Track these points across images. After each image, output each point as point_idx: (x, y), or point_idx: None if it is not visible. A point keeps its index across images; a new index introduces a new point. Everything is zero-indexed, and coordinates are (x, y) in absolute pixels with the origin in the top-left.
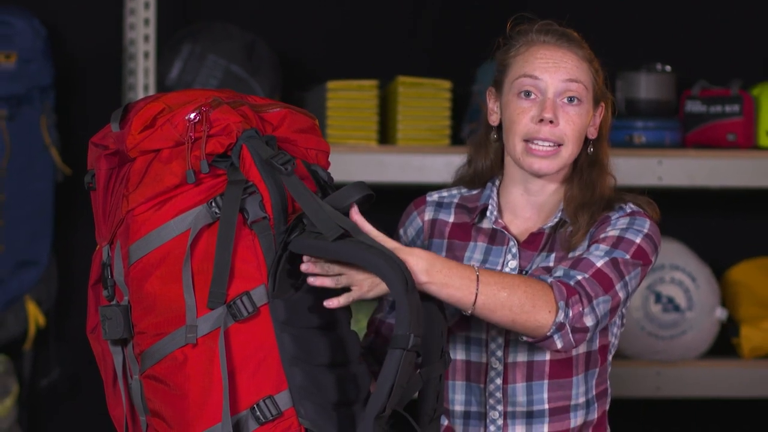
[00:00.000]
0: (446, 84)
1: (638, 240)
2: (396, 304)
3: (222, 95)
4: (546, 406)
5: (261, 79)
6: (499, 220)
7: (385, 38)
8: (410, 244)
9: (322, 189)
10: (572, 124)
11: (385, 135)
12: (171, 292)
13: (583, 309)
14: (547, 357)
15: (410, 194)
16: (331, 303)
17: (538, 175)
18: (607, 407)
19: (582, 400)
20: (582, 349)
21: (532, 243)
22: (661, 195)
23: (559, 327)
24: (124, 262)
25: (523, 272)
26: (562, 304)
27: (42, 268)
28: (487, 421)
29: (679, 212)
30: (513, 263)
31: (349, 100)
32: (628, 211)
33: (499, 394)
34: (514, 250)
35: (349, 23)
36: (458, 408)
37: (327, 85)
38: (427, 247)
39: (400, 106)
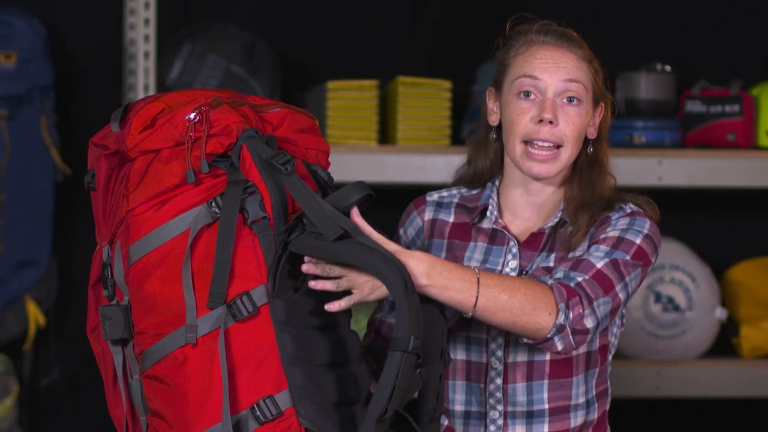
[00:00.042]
0: (446, 84)
1: (638, 241)
2: (396, 307)
3: (222, 95)
4: (546, 406)
5: (261, 79)
6: (500, 220)
7: (385, 38)
8: (410, 244)
9: (322, 189)
10: (572, 125)
11: (385, 135)
12: (171, 292)
13: (583, 311)
14: (548, 357)
15: (410, 194)
16: (332, 306)
17: (538, 179)
18: (608, 407)
19: (582, 400)
20: (582, 349)
21: (533, 243)
22: (661, 195)
23: (560, 329)
24: (124, 262)
25: (524, 272)
26: (562, 306)
27: (42, 268)
28: (488, 420)
29: (679, 212)
30: (513, 263)
31: (349, 100)
32: (628, 211)
33: (499, 394)
34: (515, 250)
35: (349, 23)
36: (458, 408)
37: (327, 85)
38: (426, 246)
39: (400, 106)
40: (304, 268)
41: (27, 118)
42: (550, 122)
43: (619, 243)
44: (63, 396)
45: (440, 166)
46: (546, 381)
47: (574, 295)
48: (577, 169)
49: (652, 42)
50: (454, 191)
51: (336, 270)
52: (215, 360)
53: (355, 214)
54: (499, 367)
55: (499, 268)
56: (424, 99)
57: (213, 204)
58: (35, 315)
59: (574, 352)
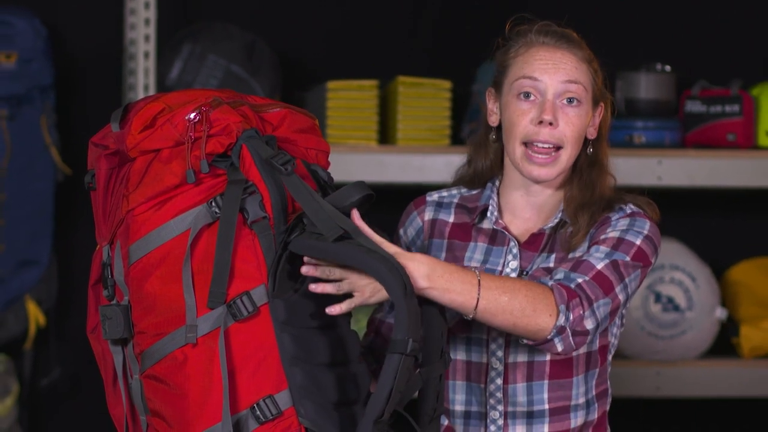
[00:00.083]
0: (446, 84)
1: (638, 242)
2: (395, 309)
3: (222, 95)
4: (546, 407)
5: (261, 79)
6: (500, 221)
7: (385, 38)
8: (410, 244)
9: (322, 189)
10: (572, 126)
11: (385, 135)
12: (171, 292)
13: (583, 312)
14: (548, 357)
15: (410, 194)
16: (333, 310)
17: (537, 182)
18: (608, 407)
19: (582, 400)
20: (582, 349)
21: (533, 243)
22: (660, 195)
23: (560, 330)
24: (124, 261)
25: (524, 272)
26: (563, 307)
27: (42, 268)
28: (488, 421)
29: (679, 212)
30: (514, 263)
31: (349, 100)
32: (628, 212)
33: (499, 394)
34: (515, 250)
35: (349, 23)
36: (459, 408)
37: (327, 85)
38: (426, 246)
39: (400, 106)
40: (303, 270)
41: (27, 117)
42: (550, 124)
43: (619, 244)
44: (63, 396)
45: (440, 166)
46: (546, 381)
47: (575, 296)
48: (577, 170)
49: (652, 42)
50: (454, 191)
51: (336, 272)
52: (215, 360)
53: (356, 217)
54: (500, 367)
55: (500, 268)
56: (424, 99)
57: (213, 204)
58: (35, 315)
59: (574, 353)
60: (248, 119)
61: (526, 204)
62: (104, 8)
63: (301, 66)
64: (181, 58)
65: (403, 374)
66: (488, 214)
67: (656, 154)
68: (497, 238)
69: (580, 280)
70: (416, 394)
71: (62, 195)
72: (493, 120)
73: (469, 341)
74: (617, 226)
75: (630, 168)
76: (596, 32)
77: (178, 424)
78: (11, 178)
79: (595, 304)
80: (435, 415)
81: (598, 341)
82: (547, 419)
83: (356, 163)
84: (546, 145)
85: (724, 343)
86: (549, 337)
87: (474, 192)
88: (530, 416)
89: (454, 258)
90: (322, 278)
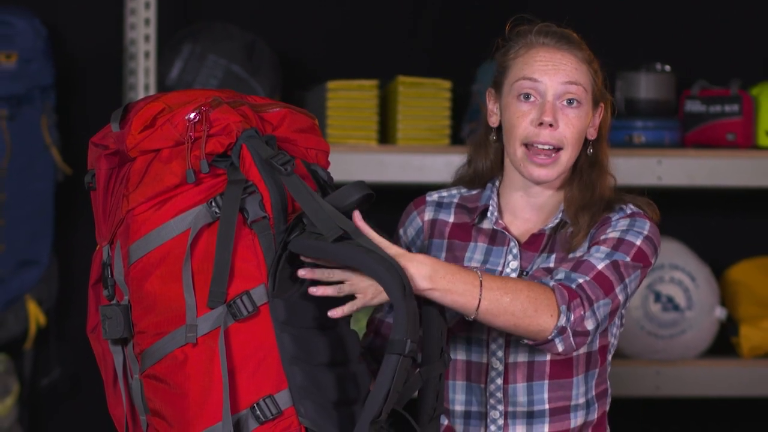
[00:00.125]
0: (446, 84)
1: (638, 242)
2: (394, 309)
3: (222, 95)
4: (546, 407)
5: (261, 79)
6: (500, 221)
7: (385, 38)
8: (410, 244)
9: (321, 189)
10: (572, 127)
11: (385, 135)
12: (171, 292)
13: (584, 313)
14: (548, 357)
15: (410, 194)
16: (336, 313)
17: (538, 183)
18: (607, 407)
19: (582, 400)
20: (582, 349)
21: (533, 244)
22: (660, 195)
23: (561, 331)
24: (124, 261)
25: (524, 273)
26: (564, 308)
27: (42, 268)
28: (488, 421)
29: (679, 212)
30: (514, 264)
31: (349, 100)
32: (628, 212)
33: (499, 394)
34: (515, 250)
35: (349, 23)
36: (459, 408)
37: (327, 85)
38: (426, 246)
39: (400, 106)
40: (301, 273)
41: (27, 117)
42: (550, 125)
43: (619, 244)
44: (63, 395)
45: (440, 166)
46: (546, 381)
47: (576, 296)
48: (577, 171)
49: (651, 42)
50: (454, 191)
51: (337, 274)
52: (215, 359)
53: (357, 218)
54: (500, 367)
55: (500, 268)
56: (424, 99)
57: (213, 204)
58: (36, 314)
59: (574, 353)
60: (248, 119)
61: (526, 205)
62: (104, 8)
63: (301, 66)
64: (181, 58)
65: (401, 375)
66: (488, 214)
67: (656, 154)
68: (497, 238)
69: (580, 281)
70: (416, 393)
71: (62, 195)
72: (493, 120)
73: (469, 341)
74: (617, 226)
75: (630, 168)
76: (596, 32)
77: (178, 424)
78: (11, 178)
79: (595, 305)
80: (435, 415)
81: (597, 341)
82: (547, 419)
83: (356, 163)
84: (546, 147)
85: (724, 343)
86: (550, 337)
87: (474, 192)
88: (530, 416)
89: (454, 258)
90: (323, 281)
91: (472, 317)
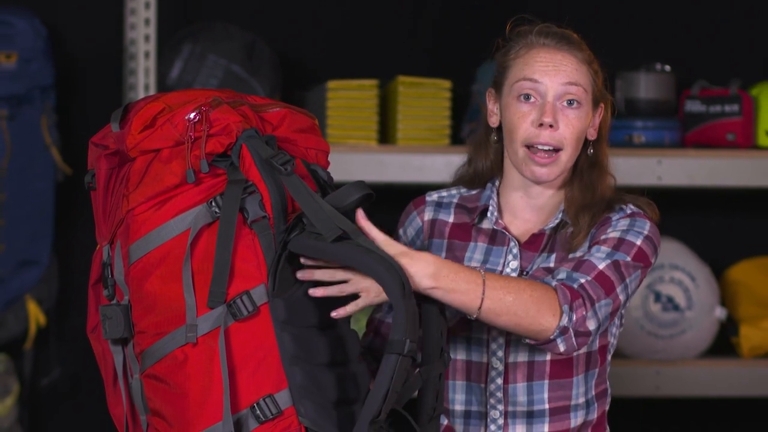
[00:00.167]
0: (446, 84)
1: (639, 242)
2: (393, 309)
3: (222, 95)
4: (546, 406)
5: (261, 79)
6: (500, 221)
7: (385, 38)
8: (410, 244)
9: (321, 189)
10: (572, 128)
11: (385, 135)
12: (171, 292)
13: (586, 313)
14: (548, 357)
15: (410, 194)
16: (339, 313)
17: (538, 182)
18: (607, 407)
19: (582, 400)
20: (582, 349)
21: (533, 244)
22: (660, 195)
23: (563, 331)
24: (125, 261)
25: (524, 273)
26: (566, 308)
27: (42, 268)
28: (488, 420)
29: (679, 212)
30: (514, 263)
31: (349, 99)
32: (629, 212)
33: (499, 394)
34: (515, 250)
35: (349, 23)
36: (459, 408)
37: (327, 84)
38: (426, 247)
39: (400, 105)
40: (299, 275)
41: (27, 117)
42: (550, 126)
43: (620, 244)
44: (63, 395)
45: (440, 165)
46: (546, 381)
47: (578, 296)
48: (577, 171)
49: (651, 42)
50: (454, 191)
51: (339, 274)
52: (215, 359)
53: (361, 217)
54: (500, 367)
55: (500, 268)
56: (424, 99)
57: (213, 203)
58: (36, 314)
59: (575, 353)
60: (248, 119)
61: (525, 205)
62: (104, 8)
63: (301, 66)
64: (181, 58)
65: (400, 374)
66: (488, 214)
67: (656, 154)
68: (497, 238)
69: (582, 280)
70: (416, 393)
71: (62, 195)
72: (494, 121)
73: (469, 341)
74: (618, 226)
75: (630, 168)
76: (596, 32)
77: (178, 424)
78: (11, 178)
79: (597, 305)
80: (434, 415)
81: (598, 341)
82: (547, 419)
83: (356, 163)
84: (546, 147)
85: (724, 343)
86: (552, 337)
87: (474, 192)
88: (530, 416)
89: (454, 258)
90: (325, 282)
91: (475, 316)
